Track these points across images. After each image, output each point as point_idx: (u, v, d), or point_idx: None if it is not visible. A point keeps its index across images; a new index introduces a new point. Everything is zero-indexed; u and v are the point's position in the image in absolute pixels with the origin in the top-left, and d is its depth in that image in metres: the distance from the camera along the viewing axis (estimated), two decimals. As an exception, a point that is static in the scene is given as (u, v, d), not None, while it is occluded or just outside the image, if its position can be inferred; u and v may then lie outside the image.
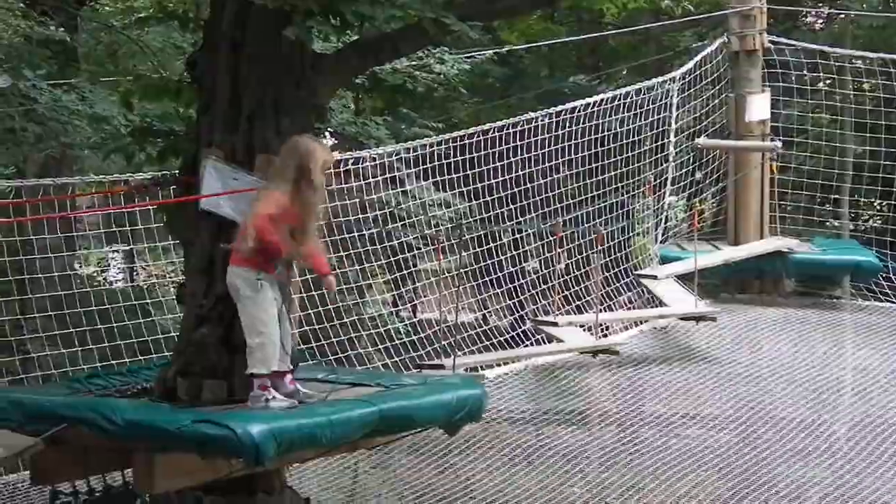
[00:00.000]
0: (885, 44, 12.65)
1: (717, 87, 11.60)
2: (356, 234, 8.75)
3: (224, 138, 5.14)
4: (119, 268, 14.04)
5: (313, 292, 8.19)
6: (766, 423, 7.45)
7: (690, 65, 11.37)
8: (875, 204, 13.70)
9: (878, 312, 10.91)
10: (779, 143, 11.35)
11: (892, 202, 12.40)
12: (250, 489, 5.06)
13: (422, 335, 8.89)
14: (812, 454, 6.72)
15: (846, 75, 12.36)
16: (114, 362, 7.64)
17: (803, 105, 12.33)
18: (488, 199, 9.88)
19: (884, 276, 11.33)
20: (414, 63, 11.63)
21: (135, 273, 13.67)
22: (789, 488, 6.04)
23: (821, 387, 8.27)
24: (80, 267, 11.39)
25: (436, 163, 9.55)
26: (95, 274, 12.96)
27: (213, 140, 5.15)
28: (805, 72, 11.98)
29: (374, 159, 9.13)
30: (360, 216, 8.77)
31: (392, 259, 9.16)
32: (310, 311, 8.23)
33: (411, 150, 9.52)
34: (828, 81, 12.63)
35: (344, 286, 8.63)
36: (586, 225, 10.56)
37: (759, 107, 11.27)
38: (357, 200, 8.73)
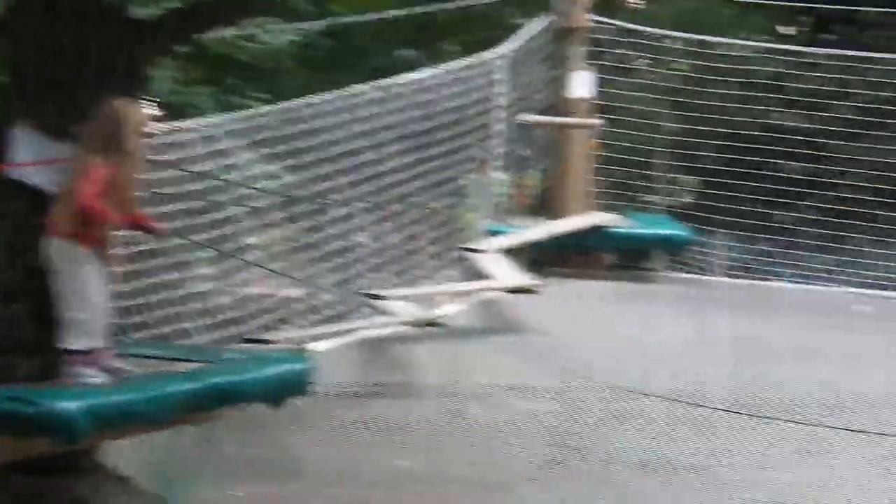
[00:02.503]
0: (696, 25, 13.18)
1: (543, 65, 11.85)
2: (179, 206, 8.53)
3: (38, 106, 4.94)
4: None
5: (136, 266, 7.96)
6: (588, 390, 7.68)
7: (517, 42, 11.57)
8: (686, 180, 14.34)
9: (689, 284, 11.43)
10: (600, 121, 11.70)
11: (702, 178, 13.00)
12: (64, 468, 4.91)
13: (249, 310, 8.77)
14: (630, 420, 6.97)
15: (662, 55, 12.83)
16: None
17: (622, 83, 12.74)
18: (318, 172, 9.80)
19: (694, 249, 11.89)
20: (240, 33, 11.41)
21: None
22: (608, 453, 6.26)
23: (638, 355, 8.59)
24: None
25: (263, 135, 9.41)
26: None
27: (27, 108, 4.95)
28: (624, 50, 12.38)
29: (199, 130, 8.93)
30: (184, 188, 8.56)
31: (218, 232, 8.98)
32: (132, 286, 8.00)
33: (238, 122, 9.35)
34: (645, 60, 13.09)
35: (167, 260, 8.42)
36: (415, 199, 10.62)
37: (581, 84, 11.59)
38: (180, 172, 8.52)
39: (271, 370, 5.24)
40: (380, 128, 10.22)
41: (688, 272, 12.12)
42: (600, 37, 12.10)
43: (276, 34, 11.62)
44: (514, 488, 5.62)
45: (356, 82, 10.61)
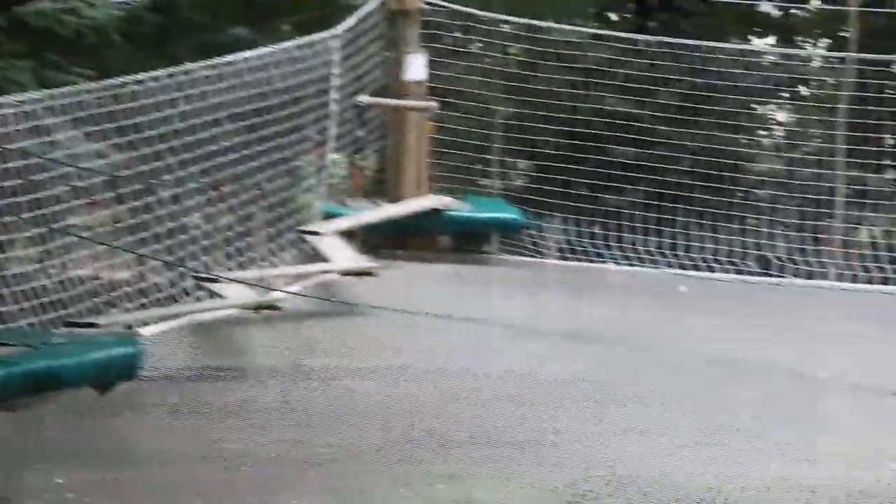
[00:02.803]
0: (529, 9, 13.41)
1: (378, 46, 11.84)
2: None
3: None
4: None
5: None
6: (425, 371, 7.73)
7: (352, 22, 11.51)
8: (522, 164, 14.63)
9: (524, 266, 11.65)
10: (435, 104, 11.77)
11: (537, 162, 13.26)
12: None
13: (74, 292, 8.45)
14: (465, 399, 7.04)
15: (495, 39, 13.02)
16: None
17: (457, 67, 12.86)
18: (146, 151, 9.51)
19: (529, 232, 12.14)
20: (60, 6, 10.96)
21: None
22: (443, 432, 6.30)
23: (474, 336, 8.69)
24: None
25: (87, 112, 9.06)
26: None
27: None
28: (459, 34, 12.50)
29: (16, 106, 8.53)
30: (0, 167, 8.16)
31: (39, 213, 8.61)
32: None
33: (60, 98, 8.98)
34: (479, 44, 13.26)
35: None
36: (249, 180, 10.45)
37: (416, 67, 11.64)
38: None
39: (97, 354, 5.11)
40: (212, 107, 9.97)
41: (523, 255, 12.34)
42: (435, 19, 12.17)
43: (99, 8, 11.20)
44: (347, 468, 5.60)
45: (186, 60, 10.34)
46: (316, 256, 10.16)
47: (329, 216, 10.96)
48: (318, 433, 6.27)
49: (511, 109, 13.32)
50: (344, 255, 9.94)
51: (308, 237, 10.32)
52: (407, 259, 11.45)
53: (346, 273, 9.76)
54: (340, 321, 9.08)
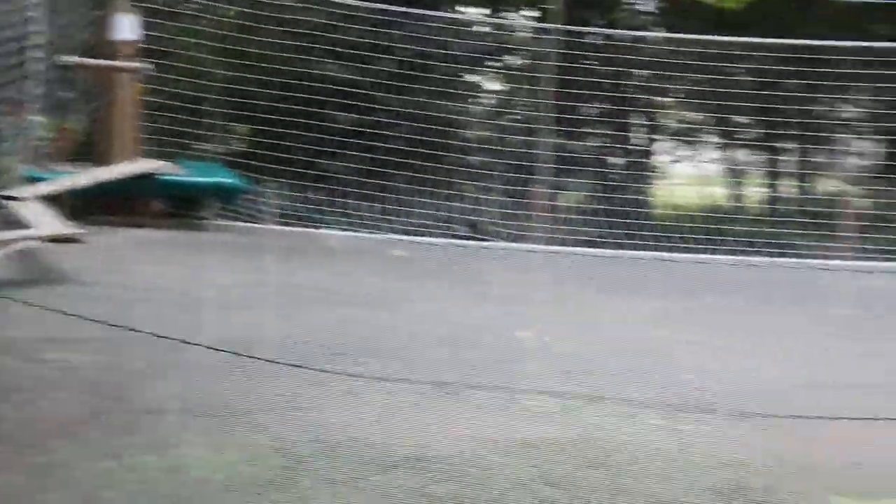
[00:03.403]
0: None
1: (84, 4, 11.34)
2: None
3: None
4: None
5: None
6: (132, 342, 7.51)
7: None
8: (239, 128, 14.47)
9: (240, 232, 11.53)
10: (147, 65, 11.42)
11: (255, 127, 13.14)
12: None
13: None
14: (175, 370, 6.91)
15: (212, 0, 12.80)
16: None
17: (173, 28, 12.53)
18: None
19: (246, 197, 12.06)
20: None
21: None
22: (150, 403, 6.16)
23: (187, 305, 8.53)
24: None
25: None
26: None
27: None
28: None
29: None
30: None
31: None
32: None
33: None
34: (195, 5, 12.99)
35: None
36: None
37: (125, 26, 11.26)
38: None
39: None
40: None
41: (240, 220, 12.25)
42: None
43: None
44: (45, 443, 5.36)
45: None
46: (16, 223, 9.64)
47: (32, 180, 10.44)
48: (13, 407, 5.96)
49: (229, 73, 13.10)
50: (48, 222, 9.50)
51: (7, 202, 9.79)
52: (119, 225, 11.09)
53: (50, 240, 9.33)
54: (42, 290, 8.66)
